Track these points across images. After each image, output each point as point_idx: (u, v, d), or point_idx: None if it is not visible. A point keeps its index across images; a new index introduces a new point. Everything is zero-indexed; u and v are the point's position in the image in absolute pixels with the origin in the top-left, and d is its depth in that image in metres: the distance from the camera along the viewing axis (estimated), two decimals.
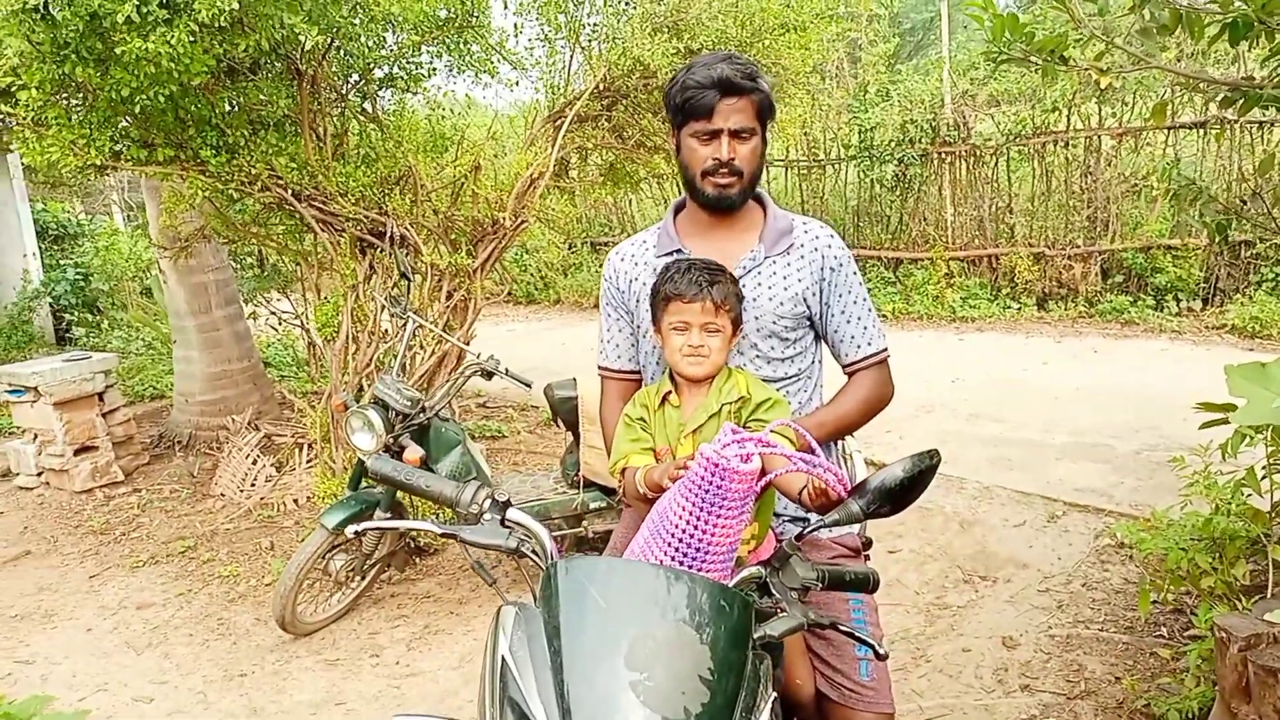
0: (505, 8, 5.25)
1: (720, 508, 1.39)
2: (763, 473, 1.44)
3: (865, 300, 1.98)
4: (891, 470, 1.45)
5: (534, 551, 1.51)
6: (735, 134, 1.83)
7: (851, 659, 1.84)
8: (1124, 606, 3.64)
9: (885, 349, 1.98)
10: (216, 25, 3.43)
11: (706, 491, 1.38)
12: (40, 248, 11.07)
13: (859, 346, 1.96)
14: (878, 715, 1.82)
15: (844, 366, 2.00)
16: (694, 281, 1.71)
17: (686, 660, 1.25)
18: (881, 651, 1.48)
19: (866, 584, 1.53)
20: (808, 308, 1.93)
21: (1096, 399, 6.49)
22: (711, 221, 1.96)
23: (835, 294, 1.94)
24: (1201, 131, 8.73)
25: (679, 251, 1.94)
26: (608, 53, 4.99)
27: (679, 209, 2.04)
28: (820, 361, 2.06)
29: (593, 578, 1.34)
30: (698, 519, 1.40)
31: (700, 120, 1.83)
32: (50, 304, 10.69)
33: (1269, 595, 2.81)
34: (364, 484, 3.98)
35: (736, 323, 1.78)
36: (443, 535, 1.48)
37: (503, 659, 1.31)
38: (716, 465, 1.36)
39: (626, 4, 5.11)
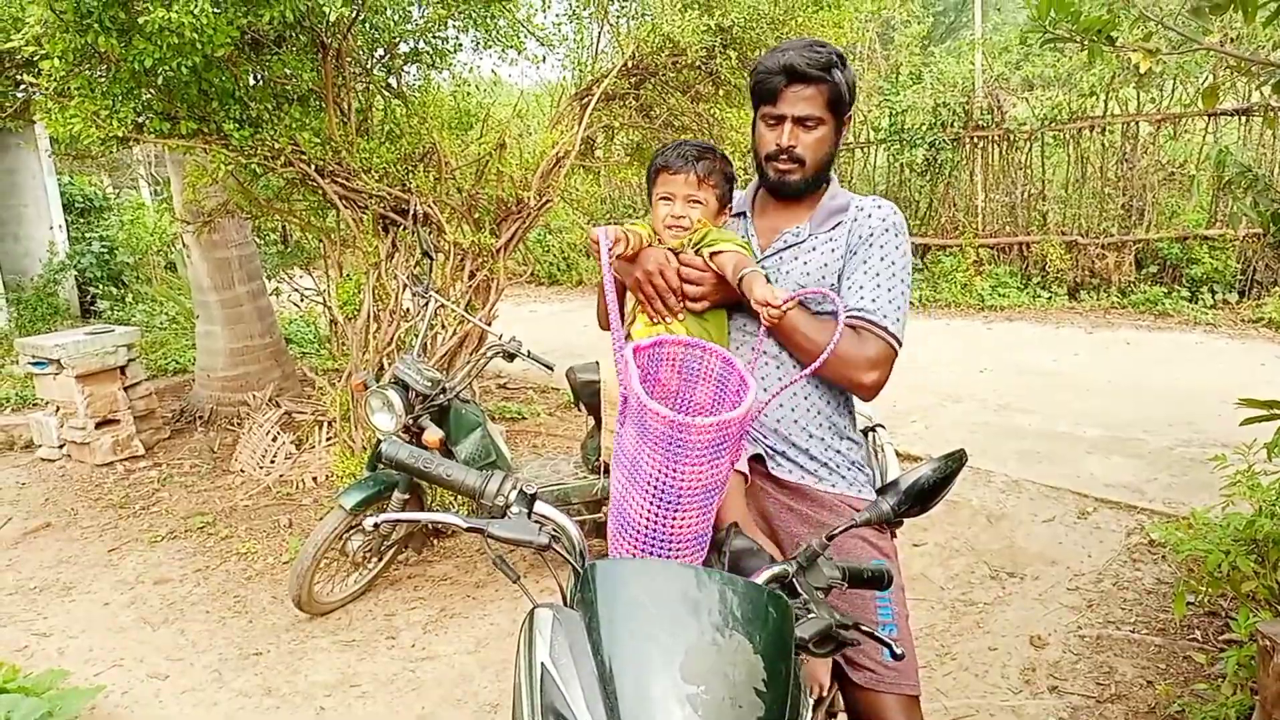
0: None
1: (686, 458, 1.42)
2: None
3: (879, 275, 1.82)
4: (921, 471, 1.55)
5: (564, 548, 1.45)
6: (800, 121, 1.85)
7: (874, 643, 1.79)
8: (1156, 608, 3.54)
9: (888, 329, 1.79)
10: None
11: (670, 443, 1.41)
12: (66, 221, 11.11)
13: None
14: (903, 697, 1.79)
15: None
16: (681, 155, 1.84)
17: (741, 671, 1.21)
18: (898, 652, 1.43)
19: (882, 581, 1.55)
20: (836, 280, 1.88)
21: (1129, 392, 6.36)
22: (778, 203, 1.98)
23: (856, 261, 1.85)
24: (1243, 118, 8.50)
25: (742, 215, 2.00)
26: (636, 29, 4.89)
27: None
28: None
29: (633, 582, 1.31)
30: (668, 468, 1.43)
31: (768, 104, 1.87)
32: (76, 277, 10.75)
33: None
34: (382, 464, 3.94)
35: (724, 201, 1.90)
36: (469, 530, 1.41)
37: (543, 666, 1.26)
38: (673, 422, 1.39)
39: None
